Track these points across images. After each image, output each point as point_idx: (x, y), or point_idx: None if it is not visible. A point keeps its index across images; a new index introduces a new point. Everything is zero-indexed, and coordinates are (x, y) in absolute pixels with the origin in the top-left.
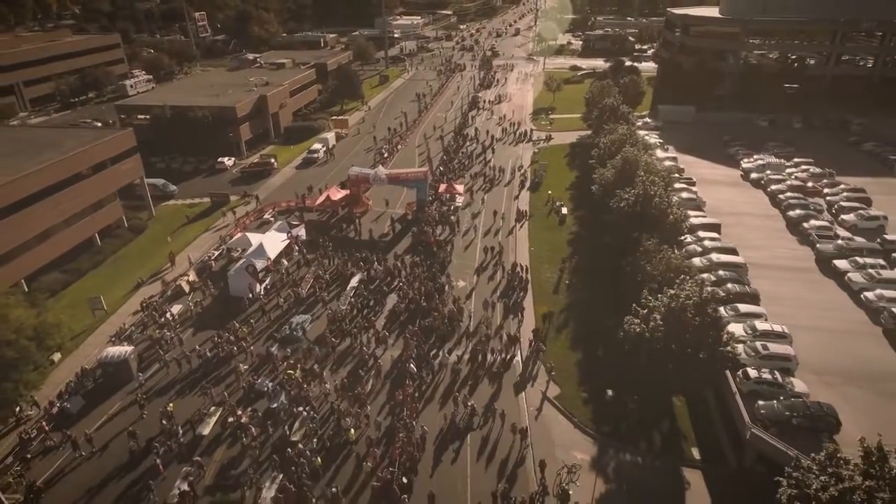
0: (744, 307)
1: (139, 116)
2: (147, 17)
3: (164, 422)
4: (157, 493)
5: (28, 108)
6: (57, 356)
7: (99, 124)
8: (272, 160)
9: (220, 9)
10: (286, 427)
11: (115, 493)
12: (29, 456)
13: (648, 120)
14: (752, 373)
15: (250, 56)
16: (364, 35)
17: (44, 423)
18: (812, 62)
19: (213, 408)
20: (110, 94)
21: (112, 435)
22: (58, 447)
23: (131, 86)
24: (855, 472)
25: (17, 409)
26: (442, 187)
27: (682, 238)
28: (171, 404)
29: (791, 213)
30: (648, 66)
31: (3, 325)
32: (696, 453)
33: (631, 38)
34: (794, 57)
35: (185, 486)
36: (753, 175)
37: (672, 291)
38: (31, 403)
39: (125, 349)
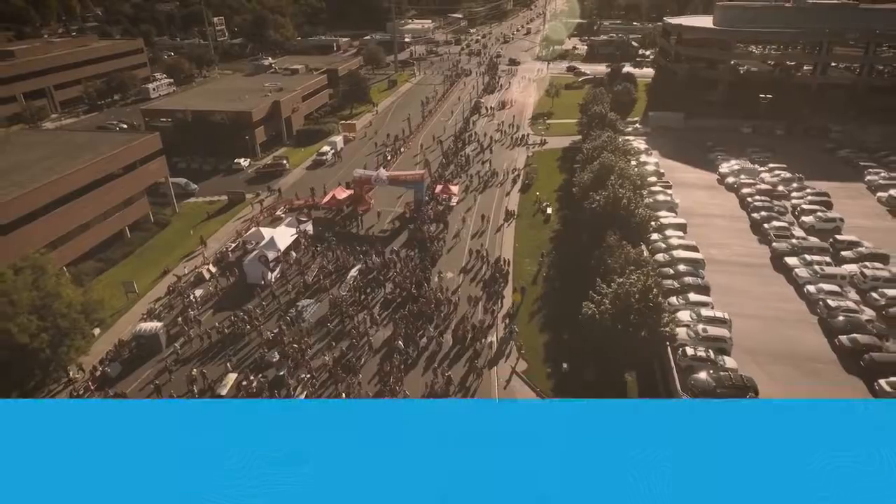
0: (694, 297)
1: (162, 119)
2: (168, 20)
3: (189, 384)
4: None
5: (58, 111)
6: (97, 331)
7: (125, 126)
8: (284, 161)
9: (237, 13)
10: (291, 390)
11: None
12: None
13: (639, 126)
14: (690, 350)
15: (266, 62)
16: (376, 39)
17: (89, 384)
18: (807, 68)
19: (230, 374)
20: (134, 98)
21: (146, 395)
22: None
23: (153, 89)
24: None
25: (69, 372)
26: (438, 188)
27: (649, 236)
28: (194, 370)
29: (755, 214)
30: (650, 72)
31: (58, 301)
32: None
33: (634, 44)
34: (793, 63)
35: None
36: (728, 179)
37: (620, 280)
38: (78, 368)
39: (156, 325)
